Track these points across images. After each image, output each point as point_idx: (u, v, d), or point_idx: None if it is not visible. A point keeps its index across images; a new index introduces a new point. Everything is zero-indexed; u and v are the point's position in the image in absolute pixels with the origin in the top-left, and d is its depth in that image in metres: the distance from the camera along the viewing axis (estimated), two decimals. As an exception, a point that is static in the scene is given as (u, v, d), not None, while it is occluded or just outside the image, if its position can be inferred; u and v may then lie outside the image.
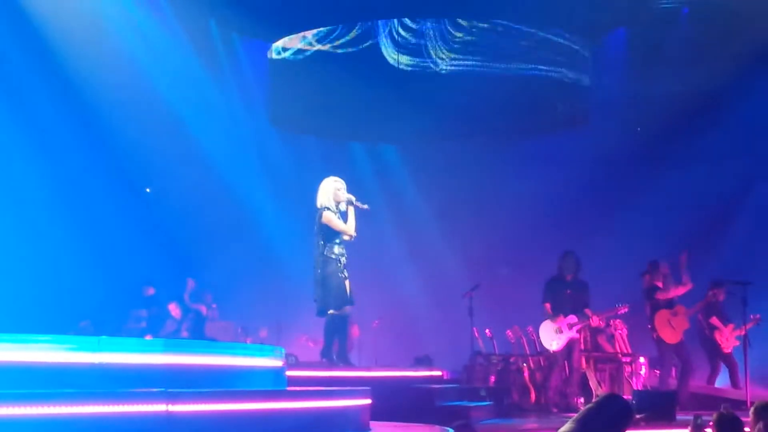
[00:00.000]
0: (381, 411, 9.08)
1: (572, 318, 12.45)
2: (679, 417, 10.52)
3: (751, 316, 13.23)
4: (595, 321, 12.91)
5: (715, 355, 13.90)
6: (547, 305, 12.56)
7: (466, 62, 16.58)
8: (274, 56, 18.29)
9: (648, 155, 17.90)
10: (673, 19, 16.95)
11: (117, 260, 16.80)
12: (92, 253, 16.40)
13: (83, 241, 16.31)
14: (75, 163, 16.65)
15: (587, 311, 12.57)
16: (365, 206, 11.26)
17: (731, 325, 13.75)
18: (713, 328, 13.81)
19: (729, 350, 13.75)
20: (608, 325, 14.08)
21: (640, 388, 13.28)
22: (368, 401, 8.78)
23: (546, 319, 12.54)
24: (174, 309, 15.54)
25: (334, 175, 11.42)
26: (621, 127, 17.76)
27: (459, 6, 15.07)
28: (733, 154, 17.19)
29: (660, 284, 13.20)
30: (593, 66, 16.24)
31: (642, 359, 14.30)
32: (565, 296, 12.58)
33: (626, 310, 13.17)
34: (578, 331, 12.57)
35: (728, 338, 13.73)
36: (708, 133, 17.20)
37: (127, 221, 17.11)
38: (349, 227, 11.12)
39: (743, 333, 13.06)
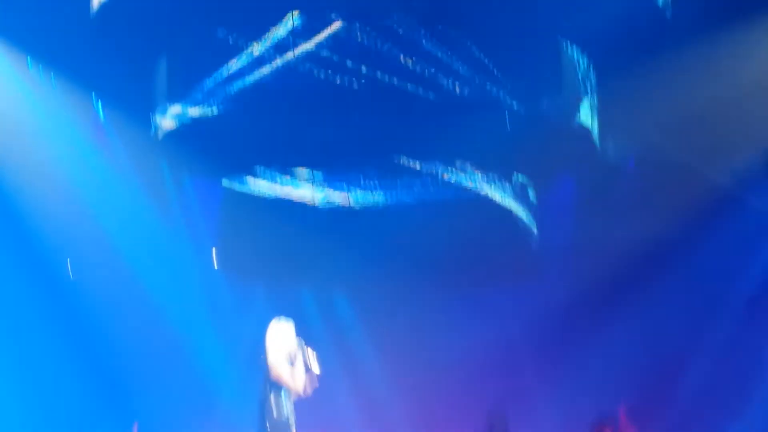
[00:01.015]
0: None
1: None
2: None
3: None
4: None
5: None
6: None
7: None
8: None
9: (595, 304, 17.84)
10: (619, 170, 17.20)
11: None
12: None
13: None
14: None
15: None
16: (312, 357, 10.95)
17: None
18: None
19: None
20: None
21: None
22: None
23: None
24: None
25: (281, 315, 11.16)
26: (567, 275, 17.76)
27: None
28: (683, 302, 17.19)
29: None
30: (540, 212, 16.40)
31: None
32: None
33: None
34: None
35: None
36: (657, 281, 17.24)
37: (64, 360, 16.64)
38: (296, 382, 10.82)
39: None
